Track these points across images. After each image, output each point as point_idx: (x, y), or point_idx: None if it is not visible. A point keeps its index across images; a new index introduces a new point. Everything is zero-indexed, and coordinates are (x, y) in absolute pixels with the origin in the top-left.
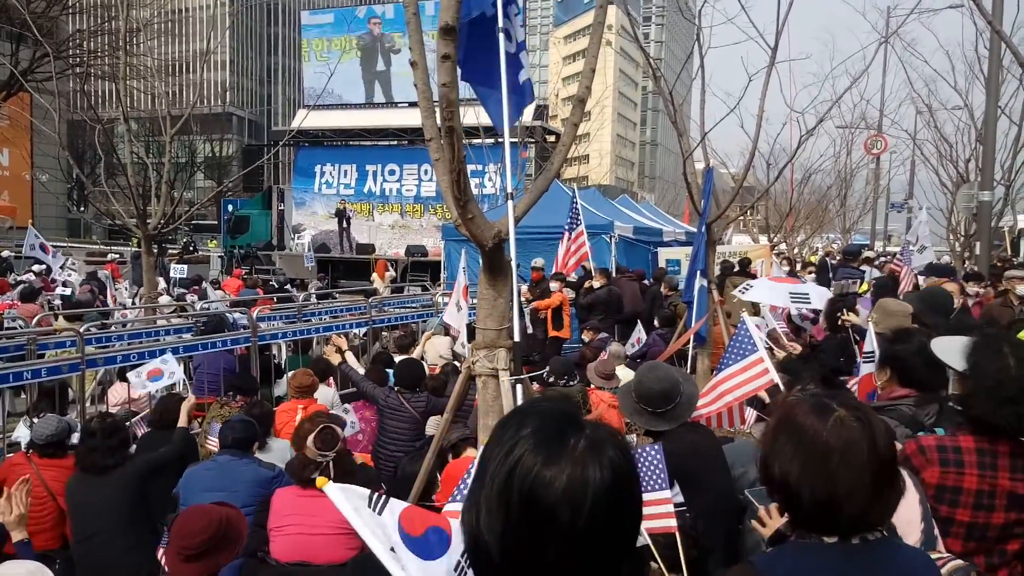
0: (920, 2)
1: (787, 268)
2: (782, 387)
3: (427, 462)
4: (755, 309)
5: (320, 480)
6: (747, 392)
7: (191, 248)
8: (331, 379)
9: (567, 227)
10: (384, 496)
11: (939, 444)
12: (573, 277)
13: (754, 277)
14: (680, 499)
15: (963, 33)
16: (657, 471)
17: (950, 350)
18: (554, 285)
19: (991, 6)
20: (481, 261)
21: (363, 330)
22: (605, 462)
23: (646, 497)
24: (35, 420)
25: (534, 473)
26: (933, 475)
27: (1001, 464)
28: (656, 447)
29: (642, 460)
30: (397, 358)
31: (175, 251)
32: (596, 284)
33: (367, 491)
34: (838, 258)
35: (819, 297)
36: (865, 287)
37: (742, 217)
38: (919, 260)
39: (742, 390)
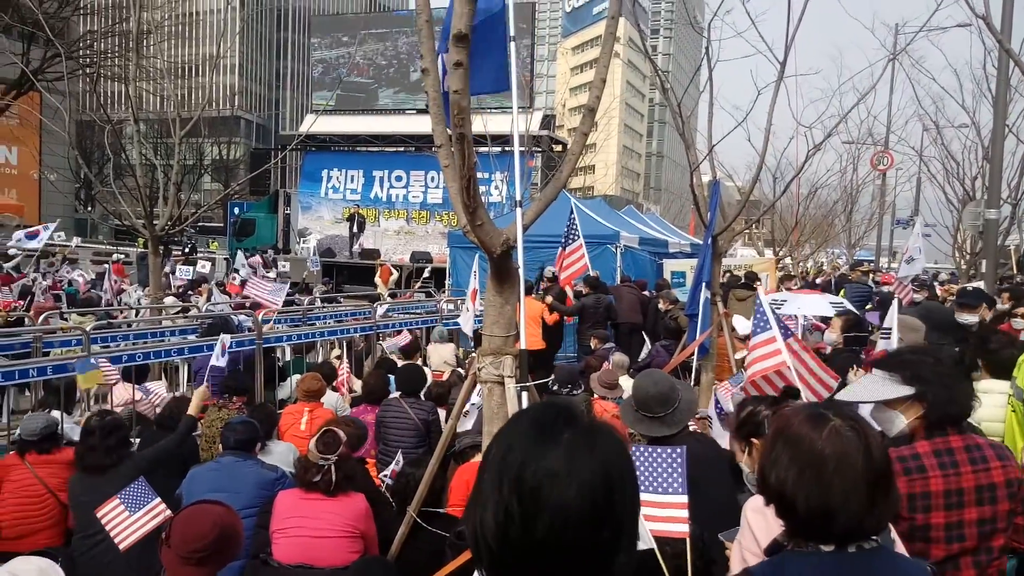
0: (929, 20)
1: (794, 284)
2: (793, 371)
3: (432, 467)
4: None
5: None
6: (763, 369)
7: (191, 250)
8: (342, 383)
9: (563, 240)
10: None
11: (898, 456)
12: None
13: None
14: (685, 513)
15: (971, 51)
16: (676, 473)
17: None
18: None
19: (1000, 24)
20: (489, 268)
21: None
22: (597, 451)
23: (660, 499)
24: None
25: (526, 461)
26: (901, 486)
27: (960, 460)
28: (680, 449)
29: (660, 460)
30: (400, 364)
31: (179, 253)
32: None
33: None
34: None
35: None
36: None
37: (748, 230)
38: (907, 271)
39: (759, 365)
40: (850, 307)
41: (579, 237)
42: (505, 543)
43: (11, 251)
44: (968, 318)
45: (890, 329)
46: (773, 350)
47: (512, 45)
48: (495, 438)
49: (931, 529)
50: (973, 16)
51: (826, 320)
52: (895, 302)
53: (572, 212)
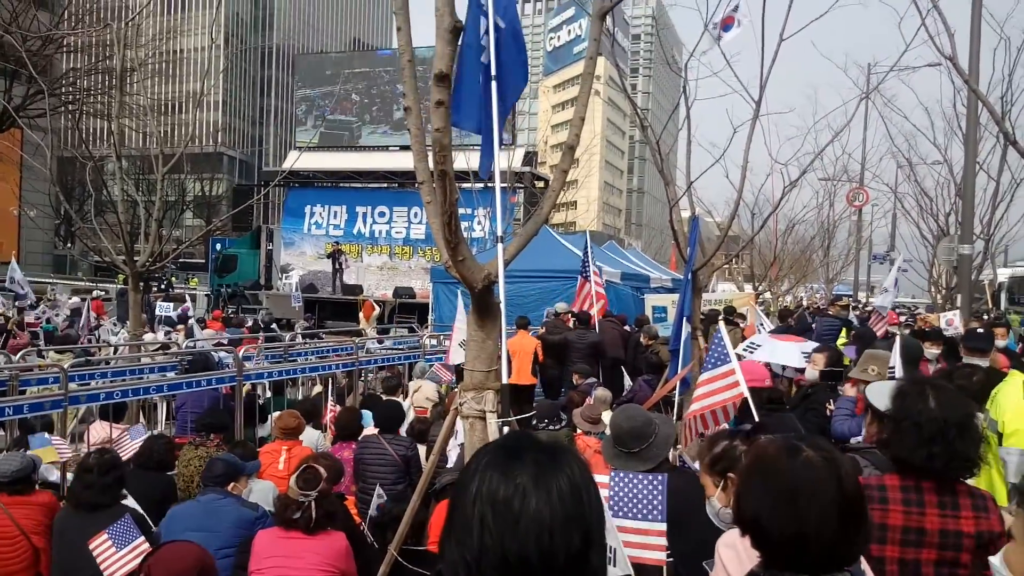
0: (899, 60)
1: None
2: (751, 402)
3: (413, 504)
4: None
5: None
6: (719, 401)
7: (167, 287)
8: (327, 418)
9: (581, 272)
10: None
11: (865, 483)
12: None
13: (737, 325)
14: (664, 541)
15: (942, 90)
16: (656, 501)
17: (880, 394)
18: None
19: (967, 65)
20: (471, 303)
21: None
22: (561, 465)
23: (640, 525)
24: None
25: (498, 482)
26: None
27: (928, 500)
28: (660, 477)
29: (641, 487)
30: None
31: (157, 290)
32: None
33: None
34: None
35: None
36: (844, 337)
37: (727, 265)
38: (880, 301)
39: (714, 398)
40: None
41: (591, 268)
42: (485, 564)
43: None
44: (978, 362)
45: (894, 367)
46: (731, 382)
47: (493, 84)
48: (465, 471)
49: (885, 562)
50: (941, 56)
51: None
52: (897, 339)
53: (586, 246)
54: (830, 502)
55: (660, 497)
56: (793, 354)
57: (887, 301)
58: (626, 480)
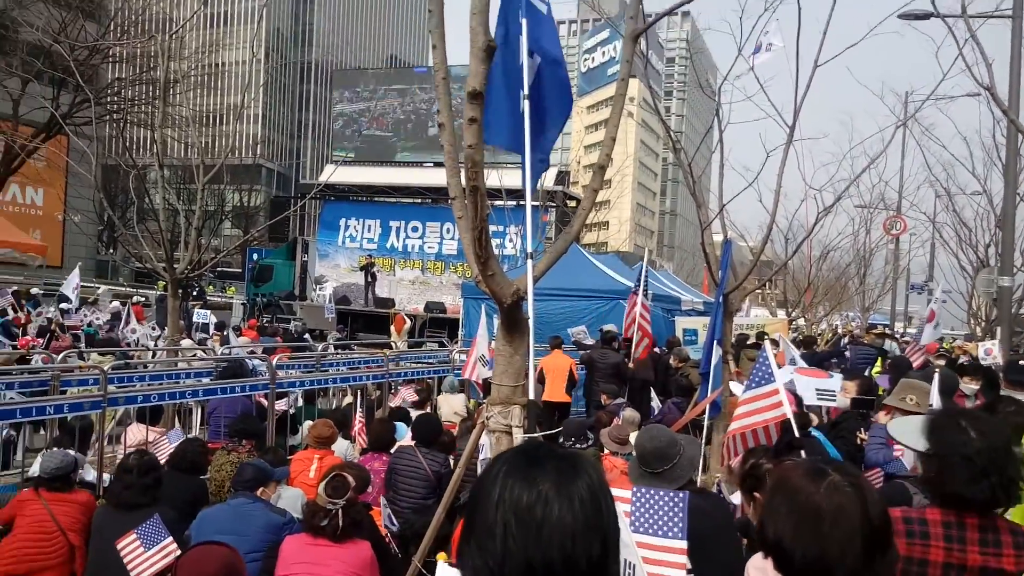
0: (937, 88)
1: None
2: (794, 424)
3: (438, 517)
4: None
5: (441, 555)
6: (761, 421)
7: (199, 294)
8: (356, 432)
9: (634, 291)
10: None
11: (905, 516)
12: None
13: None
14: (689, 565)
15: (980, 120)
16: (677, 519)
17: (908, 431)
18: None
19: (1007, 95)
20: (499, 318)
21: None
22: (581, 472)
23: (659, 542)
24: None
25: (521, 489)
26: (900, 546)
27: (970, 538)
28: (682, 495)
29: (662, 503)
30: (413, 413)
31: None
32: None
33: None
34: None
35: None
36: (879, 366)
37: (760, 290)
38: (928, 336)
39: (756, 418)
40: (842, 404)
41: (636, 289)
42: (509, 570)
43: (33, 290)
44: (1020, 396)
45: (932, 404)
46: (775, 402)
47: (525, 103)
48: (484, 476)
49: None
50: (979, 86)
51: None
52: (936, 373)
53: (643, 267)
54: (854, 527)
55: (681, 515)
56: (808, 389)
57: (933, 336)
58: (647, 496)
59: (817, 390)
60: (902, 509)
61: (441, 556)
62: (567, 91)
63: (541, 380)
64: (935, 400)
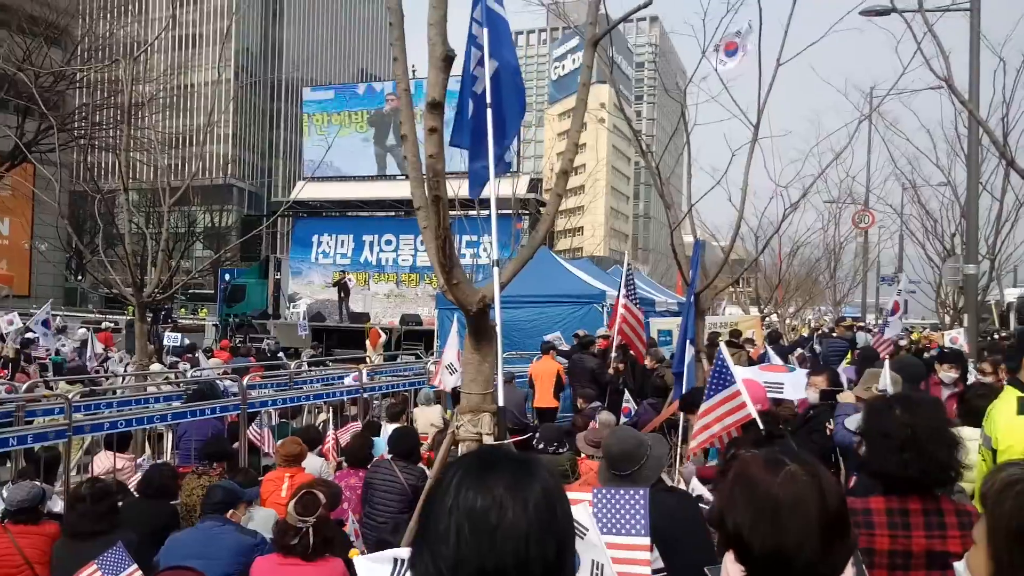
0: (898, 82)
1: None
2: (759, 422)
3: (411, 529)
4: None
5: (353, 552)
6: (727, 425)
7: (166, 317)
8: (327, 447)
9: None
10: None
11: (850, 507)
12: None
13: (743, 348)
14: (660, 564)
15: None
16: (637, 516)
17: (854, 419)
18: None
19: (967, 88)
20: (467, 326)
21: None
22: (536, 475)
23: (622, 540)
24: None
25: (471, 498)
26: None
27: (914, 523)
28: (642, 491)
29: (623, 502)
30: (387, 426)
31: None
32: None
33: (390, 555)
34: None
35: (794, 387)
36: (849, 358)
37: (732, 289)
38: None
39: (723, 423)
40: (791, 395)
41: (619, 293)
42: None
43: None
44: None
45: (885, 390)
46: (738, 404)
47: (488, 112)
48: (437, 483)
49: None
50: (939, 79)
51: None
52: (886, 362)
53: (629, 271)
54: (811, 517)
55: (642, 511)
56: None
57: (897, 330)
58: (608, 496)
59: (765, 383)
60: (847, 499)
61: (353, 552)
62: (523, 96)
63: (533, 386)
64: (889, 389)
